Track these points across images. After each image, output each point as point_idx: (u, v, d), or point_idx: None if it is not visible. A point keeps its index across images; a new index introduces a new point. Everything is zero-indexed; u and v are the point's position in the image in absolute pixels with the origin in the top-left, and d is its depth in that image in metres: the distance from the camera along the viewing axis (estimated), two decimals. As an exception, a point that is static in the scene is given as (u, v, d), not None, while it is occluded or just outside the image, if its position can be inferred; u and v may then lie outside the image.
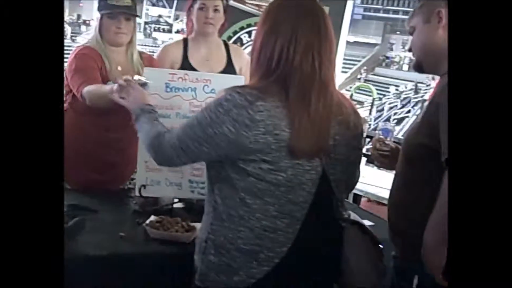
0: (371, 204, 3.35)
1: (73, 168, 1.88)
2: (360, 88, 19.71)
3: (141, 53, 2.24)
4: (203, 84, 1.90)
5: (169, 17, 28.98)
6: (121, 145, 2.14)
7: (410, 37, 1.42)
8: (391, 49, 33.25)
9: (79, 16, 23.69)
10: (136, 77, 1.76)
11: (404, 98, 23.53)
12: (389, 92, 26.01)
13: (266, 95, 1.25)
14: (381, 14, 34.43)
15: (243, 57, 2.57)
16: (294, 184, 1.28)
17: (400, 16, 30.82)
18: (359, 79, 27.96)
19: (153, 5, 32.32)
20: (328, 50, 1.31)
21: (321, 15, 1.33)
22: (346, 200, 2.05)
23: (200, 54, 2.43)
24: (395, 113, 20.57)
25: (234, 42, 3.47)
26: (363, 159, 2.07)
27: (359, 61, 32.13)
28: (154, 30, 30.64)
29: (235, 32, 3.49)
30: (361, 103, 20.86)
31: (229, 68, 2.45)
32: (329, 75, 1.31)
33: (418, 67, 1.42)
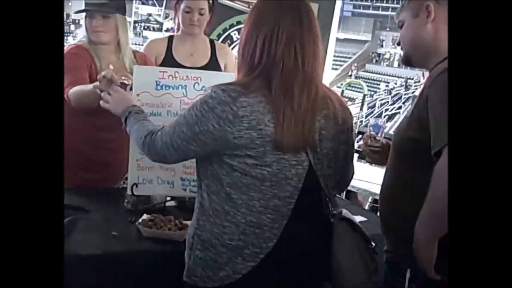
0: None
1: (66, 168, 1.87)
2: (351, 84, 19.78)
3: (135, 52, 2.23)
4: (193, 81, 1.89)
5: (159, 15, 28.89)
6: (114, 145, 2.13)
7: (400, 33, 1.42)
8: (381, 46, 33.40)
9: (68, 16, 23.54)
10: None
11: (395, 95, 23.65)
12: (379, 88, 26.13)
13: (249, 90, 1.25)
14: (370, 11, 34.55)
15: (228, 54, 2.59)
16: (280, 178, 1.28)
17: (389, 13, 30.96)
18: (350, 76, 28.06)
19: (143, 3, 32.20)
20: (312, 42, 1.31)
21: (304, 8, 1.33)
22: (339, 196, 2.06)
23: (184, 50, 2.46)
24: (386, 110, 20.66)
25: (224, 40, 3.47)
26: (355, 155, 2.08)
27: (349, 58, 32.24)
28: (144, 28, 30.54)
29: (225, 30, 3.48)
30: (352, 99, 20.92)
31: (213, 63, 2.48)
32: (313, 68, 1.31)
33: (407, 61, 1.42)
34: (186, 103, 1.87)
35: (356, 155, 2.03)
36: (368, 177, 3.33)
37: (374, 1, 33.85)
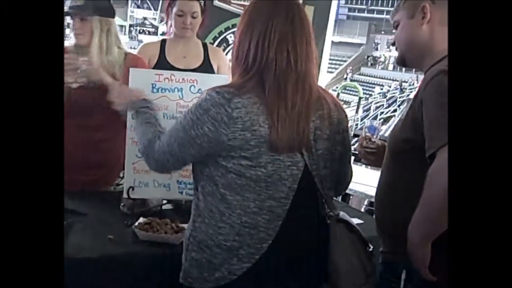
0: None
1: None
2: (347, 87, 19.82)
3: (127, 54, 2.21)
4: (189, 84, 1.90)
5: (155, 19, 28.88)
6: (106, 146, 2.12)
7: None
8: (376, 49, 33.51)
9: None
10: None
11: (390, 98, 23.72)
12: (374, 92, 26.19)
13: (243, 91, 1.25)
14: (365, 14, 34.68)
15: (221, 56, 2.61)
16: (275, 179, 1.28)
17: (384, 16, 31.07)
18: (345, 79, 28.12)
19: (138, 7, 32.19)
20: (305, 42, 1.31)
21: (295, 8, 1.33)
22: (335, 198, 2.06)
23: (177, 52, 2.48)
24: (381, 113, 20.72)
25: (220, 42, 3.47)
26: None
27: (345, 61, 32.33)
28: (140, 32, 30.52)
29: (220, 33, 3.48)
30: (348, 103, 20.95)
31: (206, 65, 2.49)
32: (306, 68, 1.31)
33: (401, 61, 1.43)
34: (182, 105, 1.88)
35: (352, 158, 2.04)
36: (364, 180, 3.34)
37: (369, 5, 33.97)
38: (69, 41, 2.23)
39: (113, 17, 2.10)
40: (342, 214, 1.40)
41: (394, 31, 1.43)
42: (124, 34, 30.50)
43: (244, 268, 1.28)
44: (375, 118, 17.72)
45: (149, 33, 29.47)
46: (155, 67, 2.40)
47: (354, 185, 3.40)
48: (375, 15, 34.02)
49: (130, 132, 1.87)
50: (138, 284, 1.53)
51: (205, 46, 2.57)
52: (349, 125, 1.47)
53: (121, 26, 30.75)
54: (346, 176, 1.48)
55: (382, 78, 29.03)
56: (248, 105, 1.24)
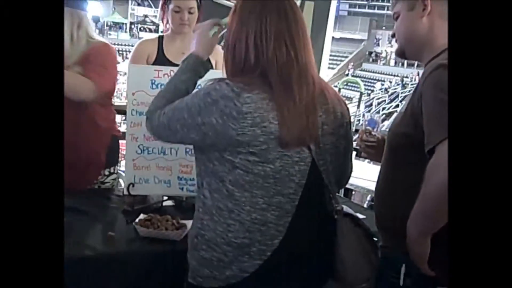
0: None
1: None
2: (348, 83, 19.79)
3: (94, 44, 2.05)
4: (189, 80, 1.89)
5: (155, 16, 28.83)
6: (77, 144, 2.01)
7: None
8: (378, 45, 33.43)
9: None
10: None
11: (392, 93, 23.69)
12: (375, 87, 26.14)
13: (252, 87, 1.25)
14: (366, 10, 34.60)
15: (218, 52, 2.60)
16: (283, 175, 1.27)
17: (385, 11, 30.98)
18: (347, 75, 28.08)
19: (139, 4, 32.18)
20: (301, 34, 1.31)
21: (287, 2, 1.32)
22: (337, 194, 2.06)
23: (175, 48, 2.47)
24: (383, 108, 20.70)
25: (220, 38, 3.46)
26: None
27: (346, 57, 32.28)
28: (140, 30, 30.52)
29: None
30: (349, 99, 20.92)
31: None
32: (307, 60, 1.31)
33: (401, 53, 1.42)
34: (181, 102, 1.87)
35: (354, 153, 2.03)
36: (366, 175, 3.33)
37: (370, 0, 33.89)
38: None
39: (85, 10, 2.04)
40: (345, 208, 1.40)
41: (395, 22, 1.41)
42: (125, 31, 30.52)
43: (256, 265, 1.27)
44: (377, 113, 17.70)
45: (150, 30, 29.45)
46: (154, 64, 2.40)
47: (356, 180, 3.40)
48: (376, 11, 33.93)
49: (130, 129, 1.88)
50: (139, 280, 1.53)
51: None
52: (350, 118, 1.47)
53: (122, 23, 30.79)
54: (347, 170, 1.48)
55: (384, 73, 28.98)
56: (257, 100, 1.23)
